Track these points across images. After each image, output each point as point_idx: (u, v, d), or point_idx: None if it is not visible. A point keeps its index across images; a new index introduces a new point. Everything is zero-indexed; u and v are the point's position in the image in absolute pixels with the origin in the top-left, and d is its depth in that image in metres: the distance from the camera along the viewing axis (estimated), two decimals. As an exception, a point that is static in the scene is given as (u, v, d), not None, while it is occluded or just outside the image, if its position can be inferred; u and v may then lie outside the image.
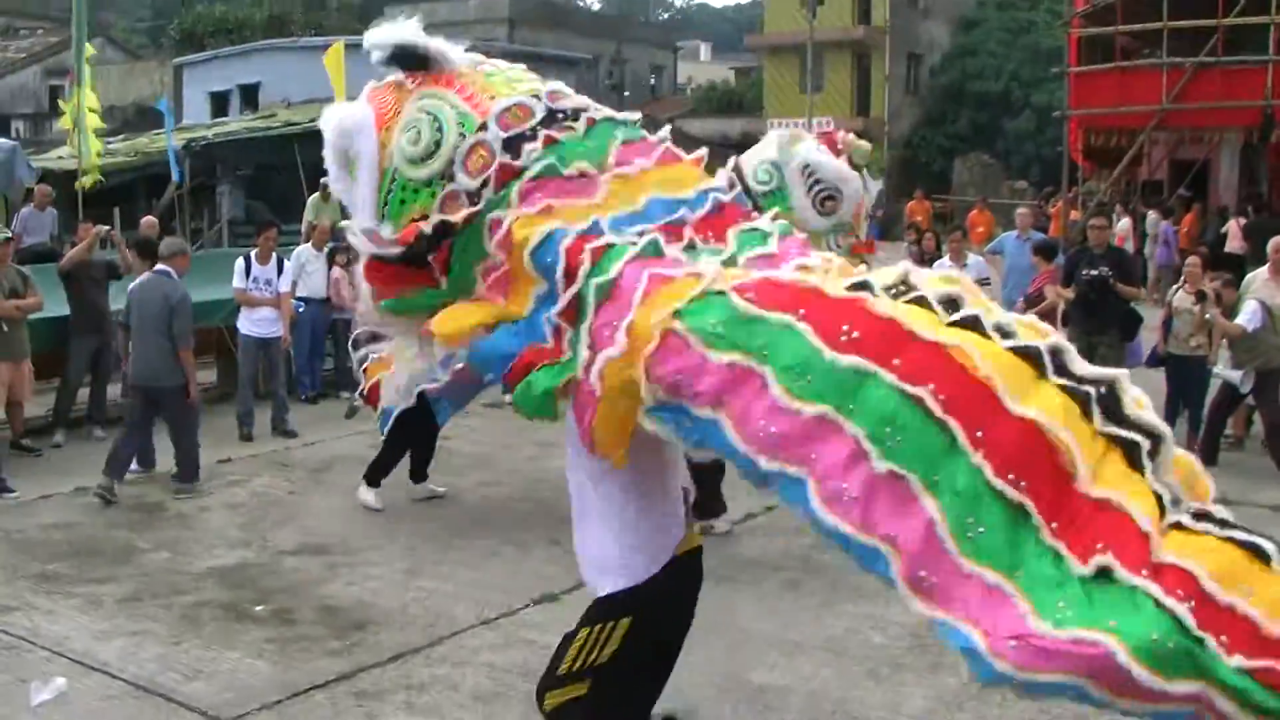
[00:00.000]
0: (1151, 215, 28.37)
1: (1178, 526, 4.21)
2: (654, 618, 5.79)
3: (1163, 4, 31.73)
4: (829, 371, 4.45)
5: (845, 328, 4.50)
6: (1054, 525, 4.20)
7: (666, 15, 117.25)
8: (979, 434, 4.26)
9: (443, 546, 10.04)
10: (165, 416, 11.83)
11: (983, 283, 14.35)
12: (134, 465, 11.83)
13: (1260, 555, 4.11)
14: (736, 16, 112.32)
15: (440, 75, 5.91)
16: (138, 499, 11.48)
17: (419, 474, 11.47)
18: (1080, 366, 4.51)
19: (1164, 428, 4.40)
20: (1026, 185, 44.04)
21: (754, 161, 9.48)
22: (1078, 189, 35.16)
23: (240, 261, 14.14)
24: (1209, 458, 12.58)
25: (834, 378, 4.44)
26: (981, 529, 4.19)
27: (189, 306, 11.66)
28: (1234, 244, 25.74)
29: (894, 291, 4.75)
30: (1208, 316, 12.78)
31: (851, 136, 9.96)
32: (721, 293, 4.77)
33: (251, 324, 14.04)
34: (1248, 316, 12.36)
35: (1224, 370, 12.73)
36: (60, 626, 8.24)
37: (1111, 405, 4.42)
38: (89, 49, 18.46)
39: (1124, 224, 28.01)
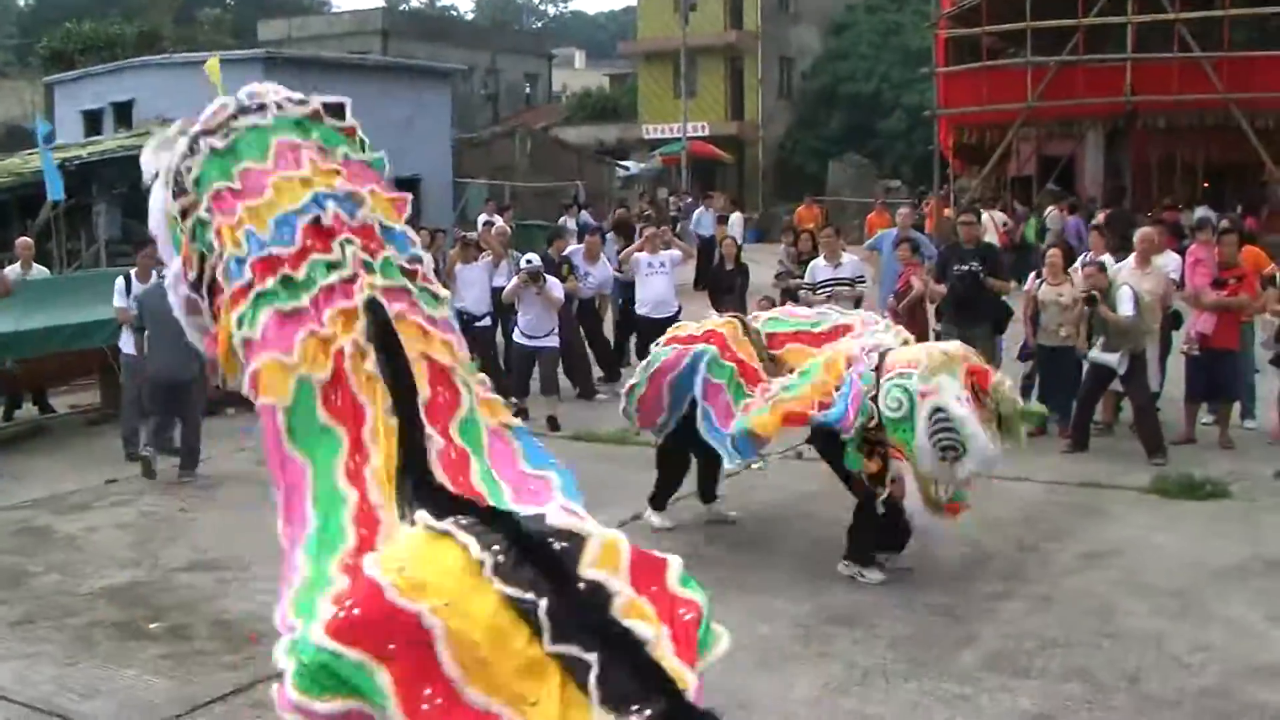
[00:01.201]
0: (1053, 211, 28.83)
1: None
2: None
3: (1026, 5, 32.52)
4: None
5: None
6: None
7: (541, 24, 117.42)
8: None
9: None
10: (179, 409, 12.79)
11: (858, 281, 14.70)
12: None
13: None
14: (610, 24, 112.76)
15: None
16: (24, 523, 11.46)
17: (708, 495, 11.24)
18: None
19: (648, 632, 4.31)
20: (899, 184, 44.73)
21: (887, 382, 8.68)
22: (949, 186, 35.83)
23: (120, 280, 14.09)
24: (1081, 443, 13.03)
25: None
26: None
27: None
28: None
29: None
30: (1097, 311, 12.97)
31: (1006, 386, 9.01)
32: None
33: (134, 343, 14.00)
34: (1128, 305, 12.66)
35: (1099, 355, 13.01)
36: (-48, 651, 8.23)
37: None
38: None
39: (997, 218, 28.54)
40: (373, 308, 5.35)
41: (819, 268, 14.70)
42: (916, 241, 15.74)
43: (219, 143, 5.82)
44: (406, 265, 5.76)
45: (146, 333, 12.94)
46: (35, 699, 7.46)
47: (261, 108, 5.98)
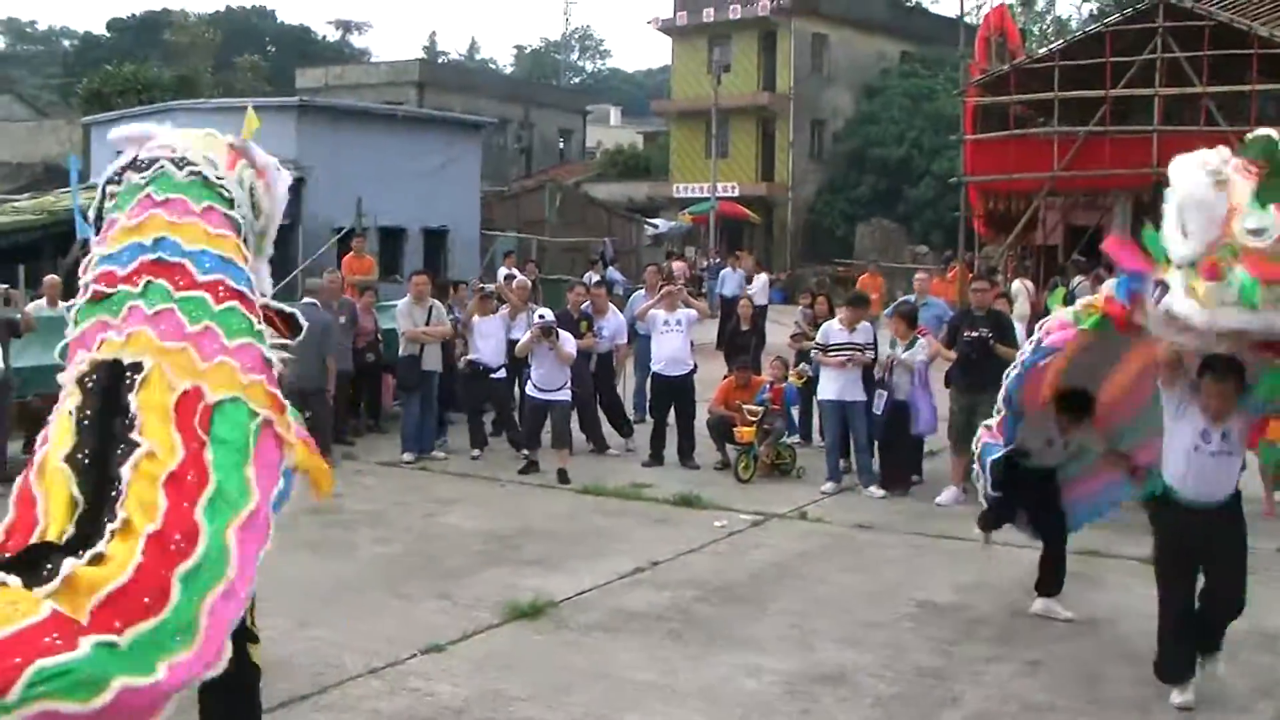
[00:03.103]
0: (1082, 281, 28.85)
1: None
2: None
3: (1054, 74, 32.70)
4: None
5: None
6: None
7: (577, 80, 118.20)
8: None
9: (333, 599, 10.25)
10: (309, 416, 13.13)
11: (868, 347, 14.77)
12: None
13: None
14: (646, 82, 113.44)
15: None
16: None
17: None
18: None
19: None
20: (927, 250, 44.83)
21: None
22: (974, 254, 35.92)
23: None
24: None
25: None
26: None
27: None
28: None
29: None
30: None
31: None
32: None
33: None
34: None
35: None
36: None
37: None
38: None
39: (1016, 287, 28.57)
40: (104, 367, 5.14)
41: (832, 331, 14.79)
42: (911, 311, 15.76)
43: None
44: (202, 282, 5.40)
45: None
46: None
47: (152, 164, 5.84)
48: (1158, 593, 8.28)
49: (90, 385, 5.02)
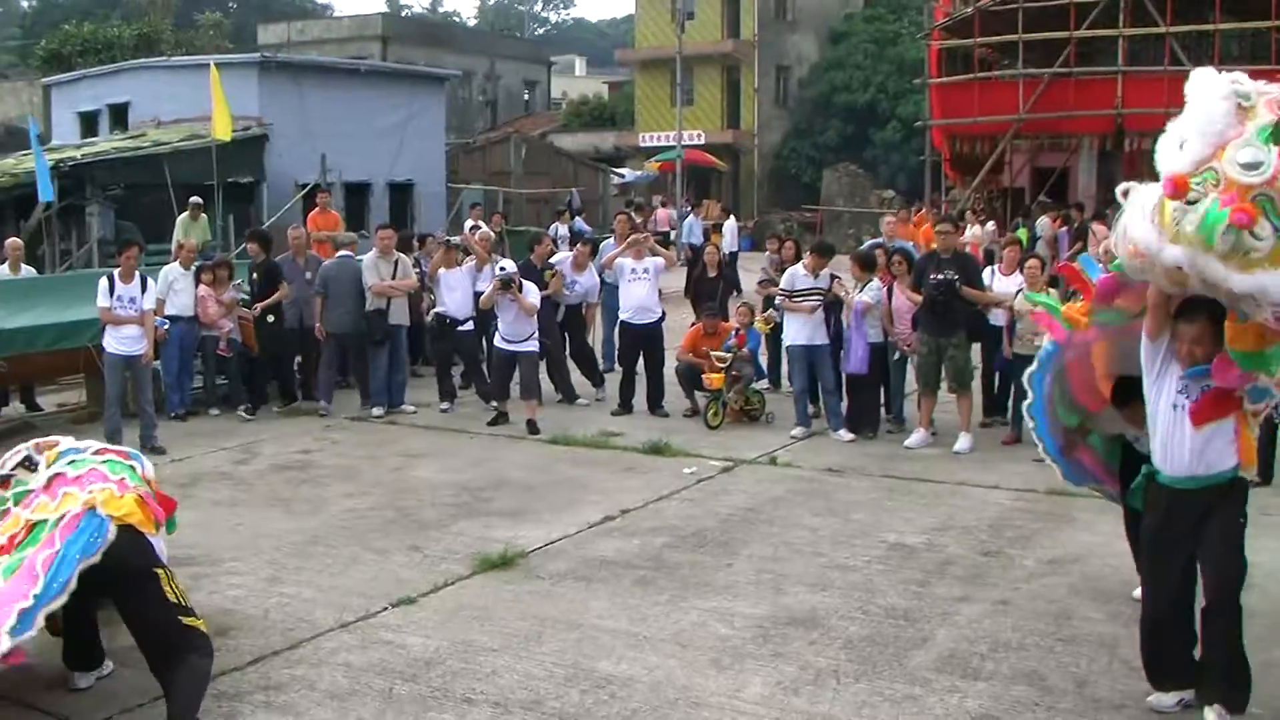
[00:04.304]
0: (1044, 221, 28.88)
1: None
2: None
3: (1018, 16, 32.68)
4: None
5: None
6: None
7: (542, 30, 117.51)
8: None
9: (305, 555, 10.25)
10: (353, 359, 17.00)
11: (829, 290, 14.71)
12: None
13: None
14: (612, 31, 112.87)
15: None
16: None
17: None
18: None
19: None
20: (894, 194, 44.85)
21: None
22: (939, 196, 35.97)
23: (104, 280, 14.25)
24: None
25: None
26: None
27: None
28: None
29: None
30: None
31: None
32: None
33: (116, 342, 14.17)
34: None
35: None
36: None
37: None
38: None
39: (987, 230, 28.58)
40: None
41: (798, 276, 14.77)
42: (868, 256, 15.75)
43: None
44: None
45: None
46: (6, 689, 7.57)
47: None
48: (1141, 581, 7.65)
49: None
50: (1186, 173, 6.17)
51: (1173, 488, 6.90)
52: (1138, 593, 7.98)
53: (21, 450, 7.69)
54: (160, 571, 7.09)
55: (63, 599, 6.71)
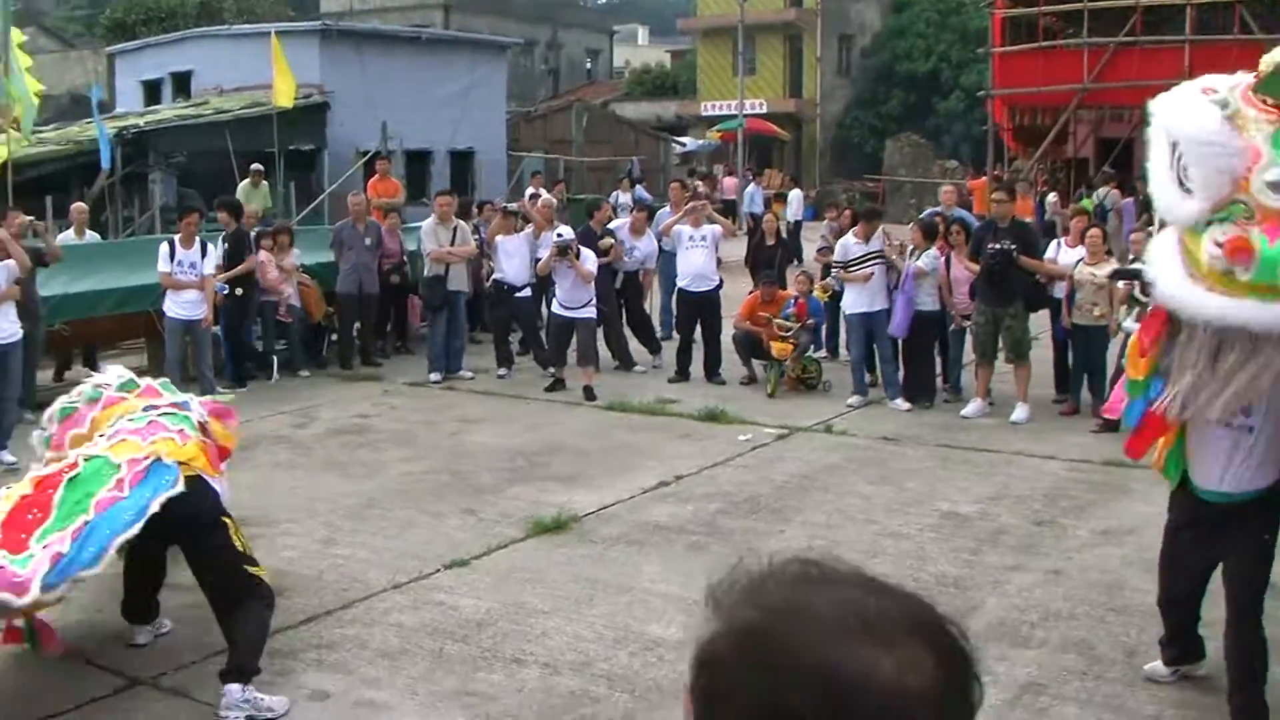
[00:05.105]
0: (1115, 195, 28.55)
1: None
2: None
3: (1083, -15, 32.36)
4: None
5: None
6: None
7: (604, 0, 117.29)
8: None
9: (360, 518, 10.35)
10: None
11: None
12: None
13: None
14: (674, 0, 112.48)
15: None
16: None
17: None
18: None
19: None
20: (956, 164, 44.55)
21: None
22: (1001, 167, 35.69)
23: (164, 246, 14.42)
24: (1112, 424, 12.93)
25: None
26: None
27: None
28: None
29: None
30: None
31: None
32: None
33: (176, 306, 14.33)
34: None
35: (1133, 326, 12.95)
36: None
37: None
38: (17, 35, 18.49)
39: (1051, 199, 28.36)
40: None
41: (850, 245, 14.72)
42: (930, 224, 15.64)
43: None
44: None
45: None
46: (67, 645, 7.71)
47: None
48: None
49: None
50: (1239, 234, 5.48)
51: (1203, 499, 6.67)
52: None
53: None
54: (227, 520, 7.16)
55: (136, 528, 6.75)
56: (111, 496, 6.72)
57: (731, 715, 1.45)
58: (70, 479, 6.82)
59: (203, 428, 7.80)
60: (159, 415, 7.60)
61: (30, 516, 6.64)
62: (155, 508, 6.75)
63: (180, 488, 6.93)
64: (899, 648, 1.42)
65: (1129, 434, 6.92)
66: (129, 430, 7.36)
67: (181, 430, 7.44)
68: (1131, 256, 13.30)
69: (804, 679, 1.40)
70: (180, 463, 7.05)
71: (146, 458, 6.98)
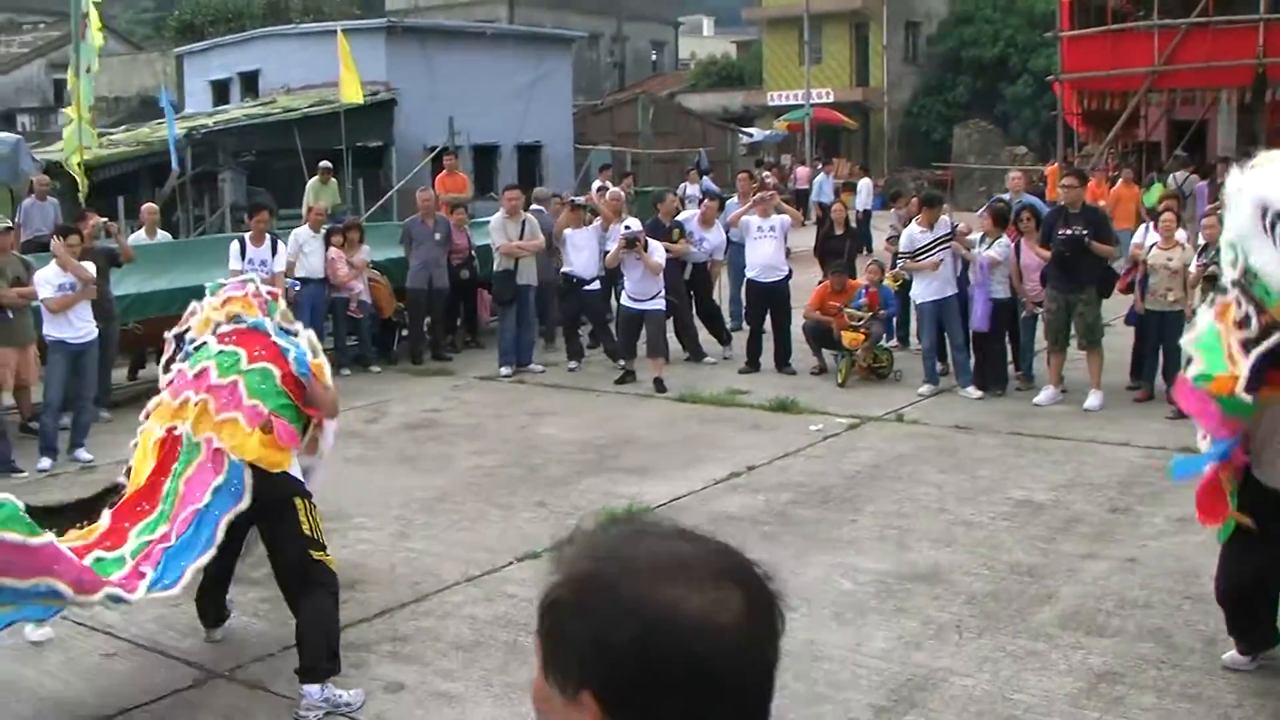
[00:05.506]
0: (1189, 176, 28.14)
1: None
2: None
3: (1154, -34, 31.94)
4: None
5: None
6: None
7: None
8: None
9: (432, 511, 10.41)
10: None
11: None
12: None
13: None
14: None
15: None
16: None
17: None
18: None
19: None
20: (1026, 151, 44.19)
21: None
22: (1072, 152, 35.34)
23: (235, 244, 14.59)
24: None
25: None
26: None
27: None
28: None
29: None
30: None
31: None
32: None
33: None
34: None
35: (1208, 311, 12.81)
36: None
37: None
38: (99, 39, 18.71)
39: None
40: None
41: (915, 235, 14.61)
42: (1001, 211, 15.49)
43: None
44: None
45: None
46: (139, 636, 7.82)
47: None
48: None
49: None
50: None
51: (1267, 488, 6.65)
52: None
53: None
54: (299, 501, 7.11)
55: (211, 553, 6.93)
56: (191, 512, 6.91)
57: (568, 653, 1.64)
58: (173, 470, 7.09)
59: (299, 381, 7.42)
60: (245, 370, 7.29)
61: (139, 509, 6.97)
62: (221, 534, 6.93)
63: (246, 501, 6.99)
64: (711, 588, 1.62)
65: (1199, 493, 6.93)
66: (208, 386, 7.26)
67: (254, 407, 7.15)
68: (1204, 241, 13.11)
69: (624, 616, 1.59)
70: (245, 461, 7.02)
71: (216, 466, 7.04)
